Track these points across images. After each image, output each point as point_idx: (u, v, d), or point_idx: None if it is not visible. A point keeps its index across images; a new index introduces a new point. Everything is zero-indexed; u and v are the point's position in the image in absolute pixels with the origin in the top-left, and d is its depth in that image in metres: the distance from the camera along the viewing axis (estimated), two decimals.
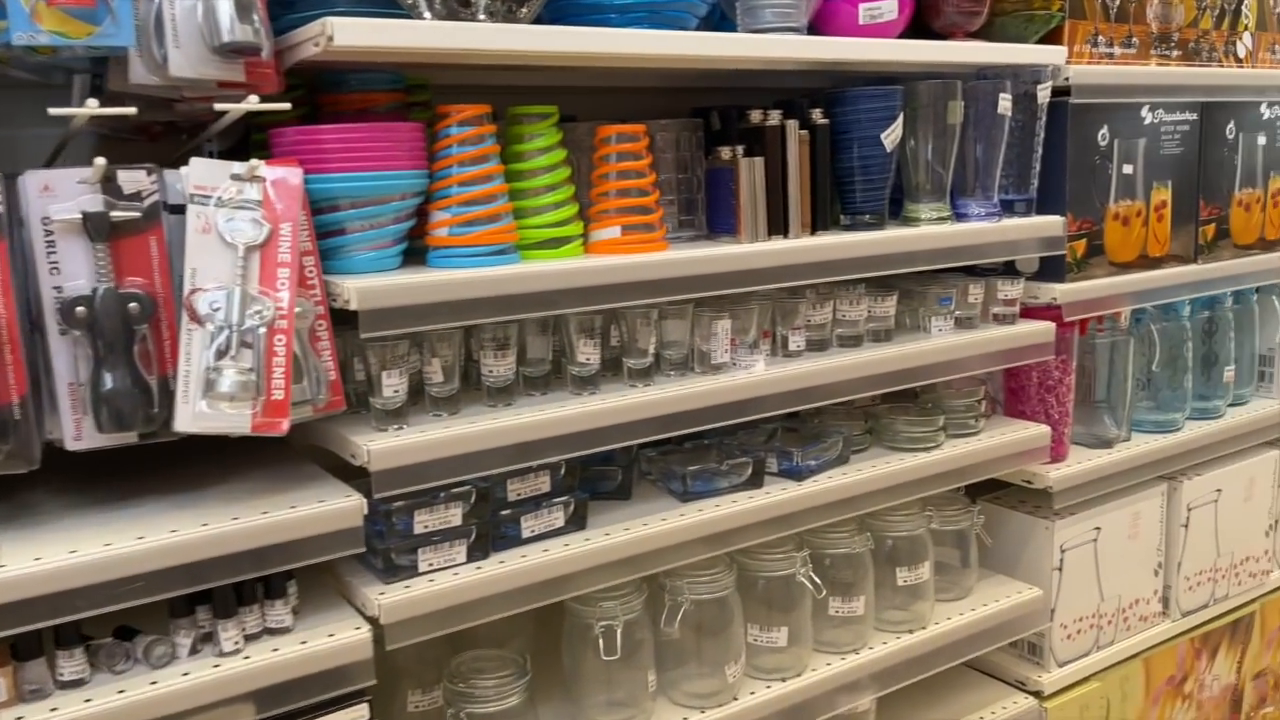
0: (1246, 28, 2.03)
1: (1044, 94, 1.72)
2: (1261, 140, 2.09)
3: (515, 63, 1.33)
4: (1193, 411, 2.14)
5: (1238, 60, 2.03)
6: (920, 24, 1.72)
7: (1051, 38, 1.77)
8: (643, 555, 1.40)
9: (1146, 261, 1.94)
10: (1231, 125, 2.03)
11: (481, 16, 1.28)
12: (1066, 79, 1.75)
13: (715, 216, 1.52)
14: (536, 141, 1.35)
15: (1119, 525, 1.99)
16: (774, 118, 1.50)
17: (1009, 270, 1.85)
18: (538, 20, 1.38)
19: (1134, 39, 1.86)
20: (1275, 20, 2.09)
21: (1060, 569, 1.91)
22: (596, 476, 1.50)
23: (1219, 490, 2.15)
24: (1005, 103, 1.67)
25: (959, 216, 1.71)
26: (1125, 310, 1.96)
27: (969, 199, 1.72)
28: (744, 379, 1.47)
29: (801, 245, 1.49)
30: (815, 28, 1.61)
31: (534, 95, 1.66)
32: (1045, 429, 1.84)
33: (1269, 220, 2.13)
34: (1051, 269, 1.83)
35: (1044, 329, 1.81)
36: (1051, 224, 1.78)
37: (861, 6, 1.56)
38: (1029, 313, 1.85)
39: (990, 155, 1.70)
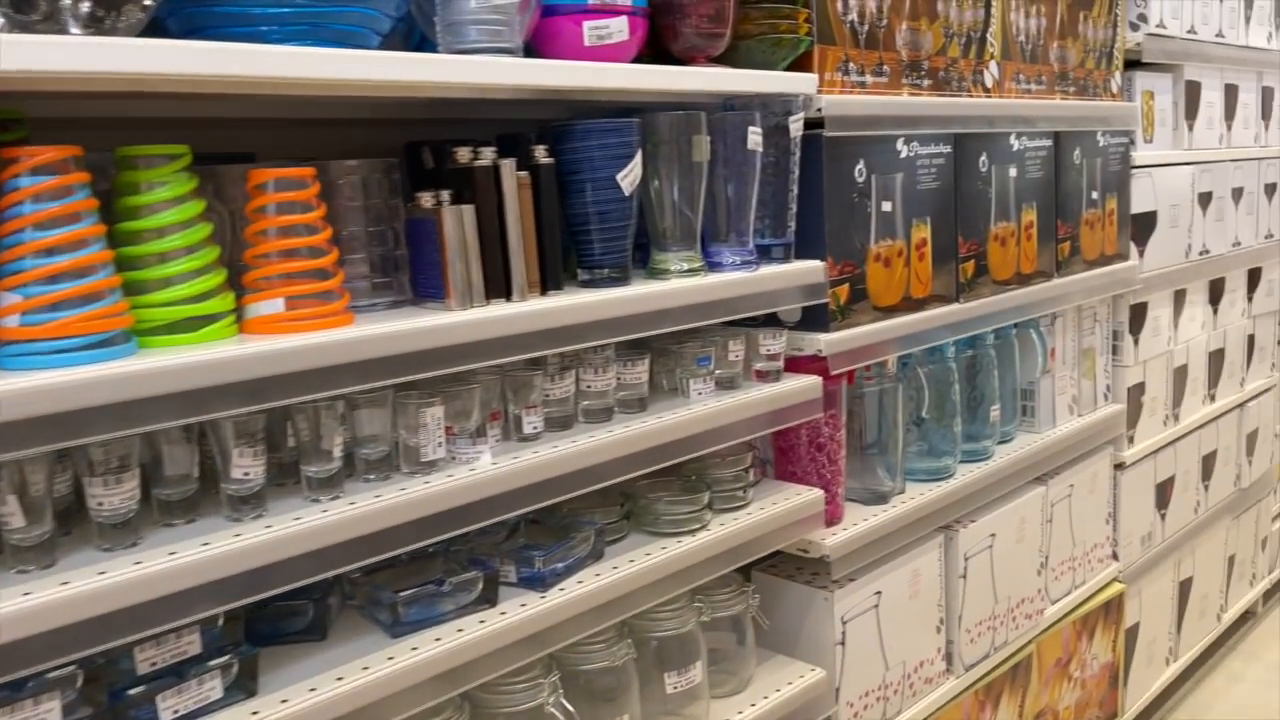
0: (992, 56, 1.97)
1: (796, 126, 1.55)
2: (1013, 172, 2.03)
3: (120, 89, 0.99)
4: (963, 455, 2.05)
5: (985, 90, 1.96)
6: (663, 49, 1.52)
7: (801, 64, 1.60)
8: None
9: (911, 304, 1.81)
10: (984, 157, 1.95)
11: (75, 29, 0.95)
12: (819, 110, 1.60)
13: (420, 277, 1.24)
14: (159, 192, 1.02)
15: (899, 586, 1.86)
16: (487, 156, 1.24)
17: (771, 321, 1.67)
18: (164, 32, 1.06)
19: (885, 67, 1.73)
20: (1018, 48, 2.04)
21: (843, 643, 1.74)
22: (279, 614, 1.18)
23: (993, 535, 2.07)
24: (755, 136, 1.48)
25: (712, 265, 1.50)
26: (893, 356, 1.83)
27: (722, 245, 1.52)
28: (464, 479, 1.19)
29: (527, 310, 1.23)
30: (536, 49, 1.37)
31: (194, 130, 1.33)
32: (818, 494, 1.67)
33: (1024, 254, 2.08)
34: (815, 318, 1.67)
35: (811, 384, 1.64)
36: (812, 270, 1.61)
37: (586, 25, 1.33)
38: (794, 365, 1.67)
39: (743, 196, 1.51)
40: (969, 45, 1.91)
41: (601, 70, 1.31)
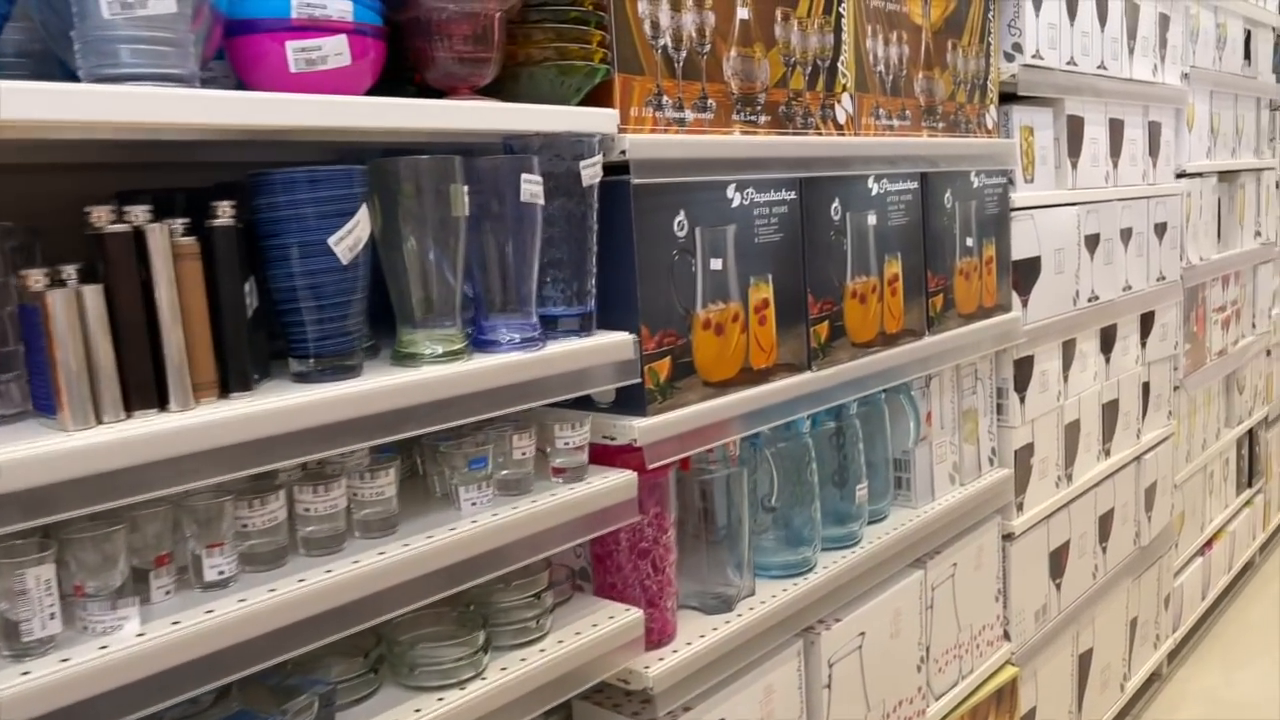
0: (845, 88, 1.72)
1: (591, 172, 1.27)
2: (872, 220, 1.78)
3: None
4: (827, 541, 1.78)
5: (838, 126, 1.71)
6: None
7: (600, 97, 1.33)
8: None
9: (751, 376, 1.54)
10: (837, 204, 1.70)
11: None
12: (623, 152, 1.32)
13: (36, 384, 0.91)
14: None
15: (749, 708, 1.57)
16: (139, 216, 0.93)
17: (583, 403, 1.38)
18: None
19: (710, 101, 1.46)
20: (877, 80, 1.80)
21: None
22: None
23: (862, 633, 1.80)
24: (532, 186, 1.20)
25: (482, 345, 1.21)
26: (734, 438, 1.56)
27: (498, 318, 1.23)
28: (87, 663, 0.86)
29: (185, 425, 0.91)
30: (238, 76, 1.07)
31: None
32: (637, 615, 1.38)
33: (888, 311, 1.83)
34: (629, 399, 1.38)
35: (625, 482, 1.35)
36: (619, 344, 1.33)
37: (289, 46, 1.03)
38: (606, 456, 1.39)
39: (522, 258, 1.22)
40: (815, 75, 1.66)
41: (304, 104, 1.00)
